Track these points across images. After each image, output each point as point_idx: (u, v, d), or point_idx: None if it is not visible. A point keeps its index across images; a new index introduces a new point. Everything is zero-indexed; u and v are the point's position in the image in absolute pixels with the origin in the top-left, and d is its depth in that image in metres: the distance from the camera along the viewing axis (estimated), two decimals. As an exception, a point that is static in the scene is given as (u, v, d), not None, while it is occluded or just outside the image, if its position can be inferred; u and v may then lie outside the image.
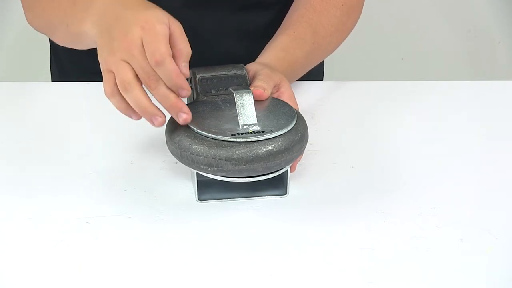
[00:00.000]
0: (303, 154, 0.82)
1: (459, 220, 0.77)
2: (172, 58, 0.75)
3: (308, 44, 0.98)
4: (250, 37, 1.10)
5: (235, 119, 0.77)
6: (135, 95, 0.77)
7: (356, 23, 1.06)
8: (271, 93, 0.84)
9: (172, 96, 0.76)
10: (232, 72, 0.84)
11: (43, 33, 1.04)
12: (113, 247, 0.73)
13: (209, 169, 0.76)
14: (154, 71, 0.75)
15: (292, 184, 0.82)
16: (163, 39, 0.75)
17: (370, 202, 0.80)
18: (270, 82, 0.84)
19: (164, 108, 0.77)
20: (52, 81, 1.24)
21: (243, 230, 0.76)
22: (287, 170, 0.80)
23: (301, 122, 0.79)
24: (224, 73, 0.83)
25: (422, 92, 1.06)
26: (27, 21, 1.03)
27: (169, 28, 0.76)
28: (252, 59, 0.92)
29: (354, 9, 1.04)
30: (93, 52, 1.13)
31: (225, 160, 0.75)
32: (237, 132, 0.76)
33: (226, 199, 0.80)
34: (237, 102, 0.77)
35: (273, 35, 1.00)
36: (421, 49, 2.21)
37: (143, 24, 0.76)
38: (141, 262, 0.71)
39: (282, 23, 1.02)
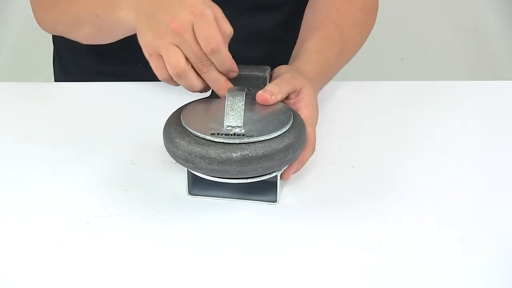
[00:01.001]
0: (305, 163, 0.82)
1: (459, 220, 0.77)
2: (225, 45, 0.78)
3: (337, 46, 0.97)
4: (257, 39, 1.09)
5: None
6: (189, 80, 0.79)
7: (373, 25, 1.05)
8: (289, 99, 0.83)
9: (222, 79, 0.80)
10: (254, 73, 0.83)
11: (59, 33, 1.03)
12: (113, 247, 0.73)
13: (186, 164, 0.75)
14: (206, 56, 0.77)
15: (291, 184, 0.82)
16: (215, 26, 0.77)
17: (370, 202, 0.80)
18: (286, 87, 0.82)
19: (213, 88, 0.81)
20: (55, 81, 1.24)
21: (243, 230, 0.76)
22: (277, 178, 0.78)
23: (294, 132, 0.76)
24: (245, 73, 0.83)
25: (422, 92, 1.06)
26: (38, 23, 1.02)
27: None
28: (259, 61, 0.90)
29: (372, 9, 1.04)
30: (95, 53, 1.13)
31: (199, 158, 0.74)
32: (218, 132, 0.75)
33: (216, 197, 0.80)
34: (227, 102, 0.76)
35: (281, 37, 0.98)
36: (421, 49, 2.21)
37: (192, 8, 0.77)
38: (141, 262, 0.71)
39: (303, 26, 1.00)
